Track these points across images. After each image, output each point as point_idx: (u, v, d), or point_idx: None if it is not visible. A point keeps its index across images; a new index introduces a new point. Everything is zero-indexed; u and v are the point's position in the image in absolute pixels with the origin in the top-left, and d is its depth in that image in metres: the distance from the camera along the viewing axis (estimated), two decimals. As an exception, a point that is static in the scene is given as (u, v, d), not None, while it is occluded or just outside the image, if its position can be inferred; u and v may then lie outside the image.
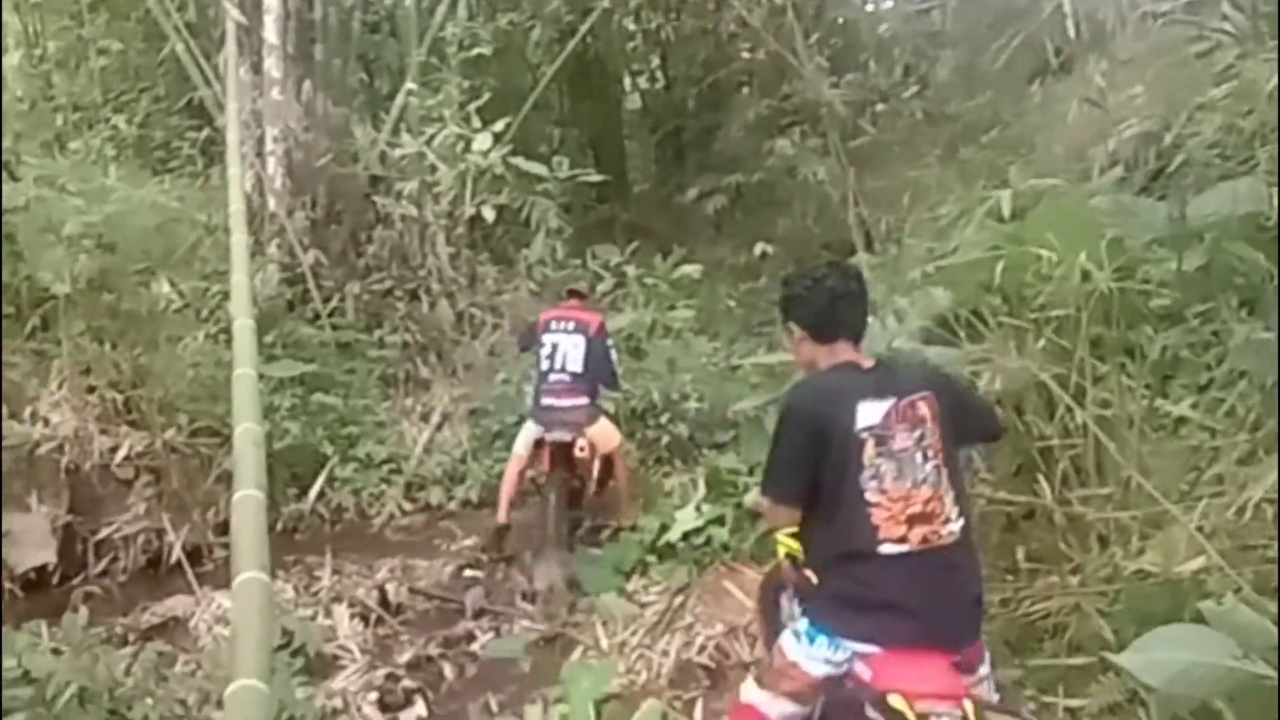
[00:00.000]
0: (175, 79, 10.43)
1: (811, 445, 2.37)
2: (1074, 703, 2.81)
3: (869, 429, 2.33)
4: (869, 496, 2.29)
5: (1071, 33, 10.07)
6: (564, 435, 5.37)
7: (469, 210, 7.98)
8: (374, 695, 4.11)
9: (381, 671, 4.30)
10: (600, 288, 9.65)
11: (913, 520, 2.28)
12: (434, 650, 4.53)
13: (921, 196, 10.36)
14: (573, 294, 5.88)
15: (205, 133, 9.22)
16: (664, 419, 6.87)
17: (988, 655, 2.33)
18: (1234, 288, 3.32)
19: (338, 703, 3.99)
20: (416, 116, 8.36)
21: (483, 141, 7.58)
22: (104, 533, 5.52)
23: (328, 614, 4.79)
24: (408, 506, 6.41)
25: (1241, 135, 4.73)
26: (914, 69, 12.61)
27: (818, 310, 2.57)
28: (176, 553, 5.39)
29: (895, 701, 2.11)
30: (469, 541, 5.74)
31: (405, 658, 4.46)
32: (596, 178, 10.08)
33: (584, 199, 14.69)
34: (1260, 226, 3.29)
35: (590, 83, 15.52)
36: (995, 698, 2.30)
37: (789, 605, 2.63)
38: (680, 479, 6.18)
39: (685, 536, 4.75)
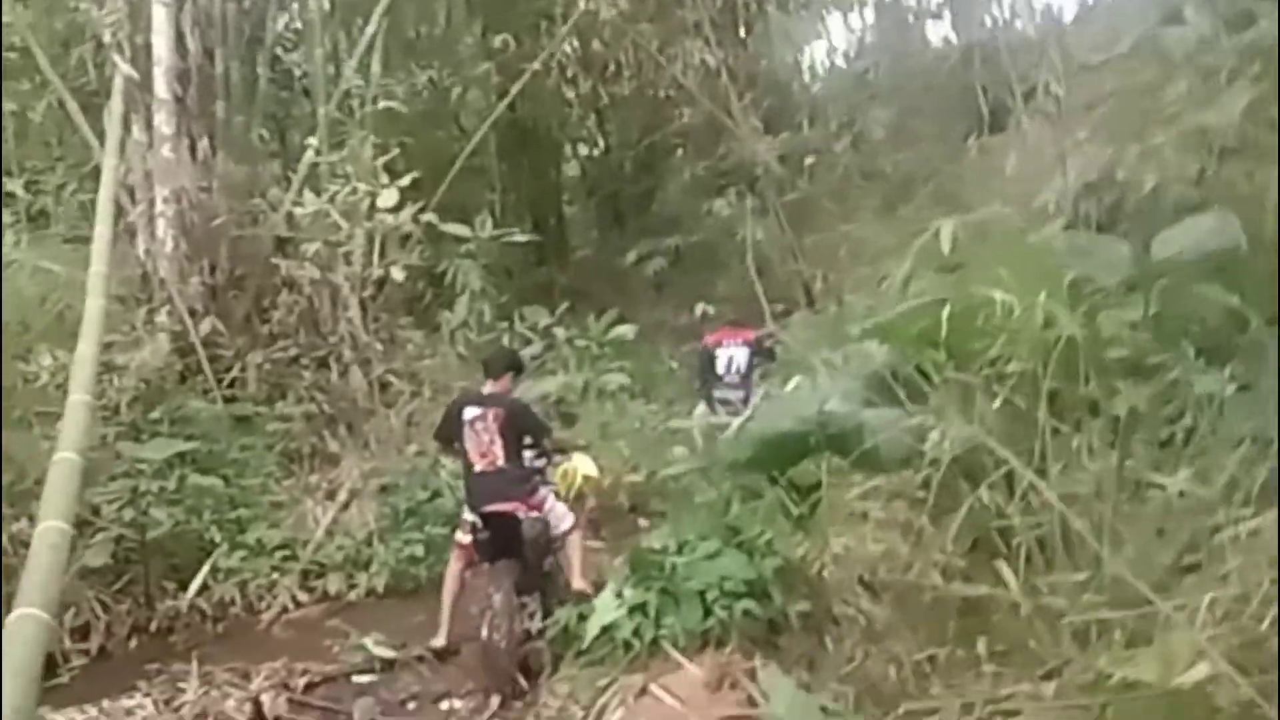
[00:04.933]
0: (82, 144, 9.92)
1: (448, 421, 5.16)
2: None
3: (468, 419, 4.99)
4: (468, 446, 4.97)
5: (1008, 89, 10.00)
6: None
7: (377, 271, 7.45)
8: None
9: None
10: (529, 351, 9.18)
11: (481, 455, 4.92)
12: (314, 773, 3.89)
13: (858, 253, 10.13)
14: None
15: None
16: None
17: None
18: (1189, 335, 2.94)
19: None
20: (327, 175, 7.88)
21: (388, 198, 7.10)
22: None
23: (190, 733, 4.12)
24: (303, 597, 5.74)
25: (1186, 180, 4.46)
26: (847, 126, 12.50)
27: (484, 364, 5.49)
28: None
29: (485, 511, 4.85)
30: (366, 640, 5.06)
31: (278, 784, 3.81)
32: (523, 238, 9.66)
33: (521, 263, 14.31)
34: (1242, 266, 2.90)
35: (527, 150, 15.22)
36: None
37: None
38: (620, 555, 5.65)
39: (605, 630, 4.18)
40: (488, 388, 5.22)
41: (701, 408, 7.61)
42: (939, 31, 14.67)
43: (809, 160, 12.34)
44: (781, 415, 3.63)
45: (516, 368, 5.48)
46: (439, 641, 4.93)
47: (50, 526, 2.12)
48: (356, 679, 4.74)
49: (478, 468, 4.96)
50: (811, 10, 15.14)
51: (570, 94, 15.53)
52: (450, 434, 5.11)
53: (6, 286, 6.74)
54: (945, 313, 2.63)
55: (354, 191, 7.12)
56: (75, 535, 5.18)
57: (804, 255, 11.80)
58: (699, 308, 10.78)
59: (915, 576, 3.65)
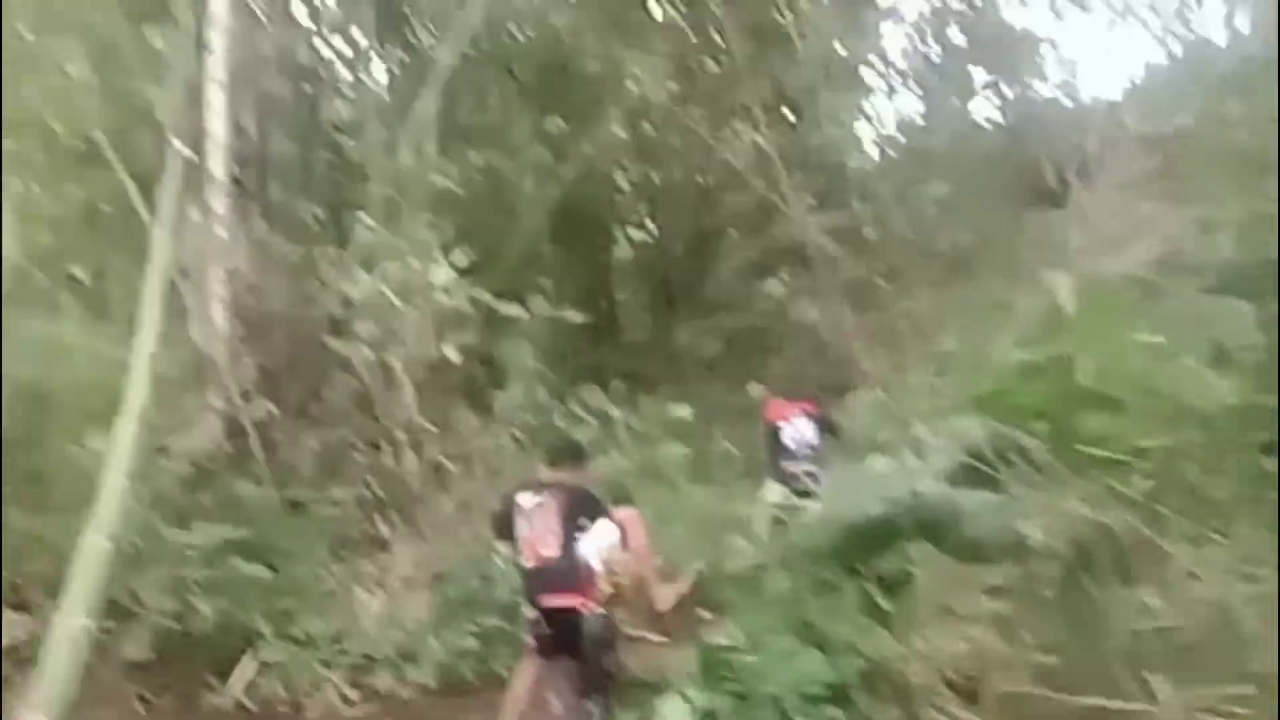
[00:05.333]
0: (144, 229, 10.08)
1: (504, 510, 4.93)
2: None
3: (526, 506, 4.79)
4: (520, 534, 4.77)
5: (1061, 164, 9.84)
6: None
7: (431, 352, 7.34)
8: None
9: None
10: (583, 433, 8.97)
11: (534, 545, 4.72)
12: None
13: (919, 330, 9.85)
14: None
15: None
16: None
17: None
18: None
19: None
20: (381, 255, 7.85)
21: (440, 275, 7.02)
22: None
23: None
24: (351, 694, 5.45)
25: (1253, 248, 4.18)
26: (900, 202, 12.36)
27: (546, 453, 5.30)
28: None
29: (542, 606, 4.67)
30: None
31: None
32: (577, 318, 9.54)
33: (574, 345, 14.22)
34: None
35: (579, 233, 15.28)
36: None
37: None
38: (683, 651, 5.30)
39: (672, 740, 3.83)
40: (546, 475, 5.00)
41: (773, 486, 7.32)
42: (988, 109, 14.58)
43: (863, 236, 12.18)
44: (865, 498, 3.34)
45: (579, 456, 5.26)
46: None
47: (70, 619, 1.89)
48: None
49: (530, 558, 4.73)
50: (858, 90, 15.16)
51: (621, 179, 15.65)
52: (507, 524, 4.88)
53: (64, 372, 6.76)
54: (1087, 367, 2.31)
55: (408, 270, 7.06)
56: (116, 626, 5.05)
57: (859, 334, 11.57)
58: (752, 388, 10.55)
59: (1019, 682, 3.30)
